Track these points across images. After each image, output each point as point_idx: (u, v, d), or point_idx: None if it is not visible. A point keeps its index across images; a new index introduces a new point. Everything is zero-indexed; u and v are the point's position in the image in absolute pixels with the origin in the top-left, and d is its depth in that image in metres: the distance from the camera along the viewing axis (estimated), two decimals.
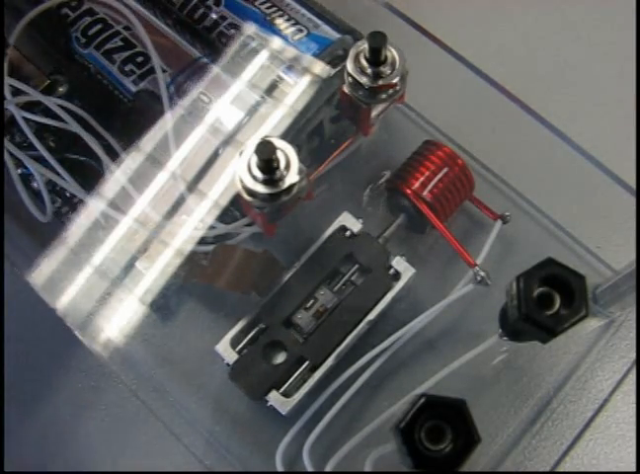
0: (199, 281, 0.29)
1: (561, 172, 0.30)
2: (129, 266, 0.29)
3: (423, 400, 0.24)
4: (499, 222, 0.30)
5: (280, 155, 0.26)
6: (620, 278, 0.29)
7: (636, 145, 0.34)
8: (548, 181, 0.31)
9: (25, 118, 0.30)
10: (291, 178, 0.26)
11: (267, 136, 0.26)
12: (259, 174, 0.26)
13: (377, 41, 0.27)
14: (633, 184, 0.29)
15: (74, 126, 0.29)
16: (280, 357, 0.29)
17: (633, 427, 0.30)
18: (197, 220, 0.29)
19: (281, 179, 0.26)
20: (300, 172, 0.27)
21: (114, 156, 0.30)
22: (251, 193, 0.26)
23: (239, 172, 0.26)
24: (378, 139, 0.32)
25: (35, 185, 0.30)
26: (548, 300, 0.25)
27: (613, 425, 0.31)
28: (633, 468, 0.30)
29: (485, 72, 0.30)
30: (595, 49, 0.37)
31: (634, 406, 0.31)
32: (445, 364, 0.29)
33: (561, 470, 0.30)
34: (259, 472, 0.29)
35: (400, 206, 0.31)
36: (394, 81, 0.28)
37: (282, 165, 0.26)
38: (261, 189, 0.26)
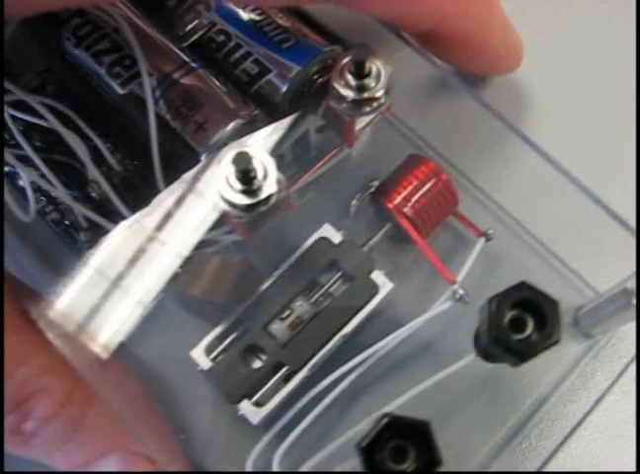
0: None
1: (548, 192, 0.30)
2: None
3: (386, 420, 0.24)
4: (482, 240, 0.30)
5: (257, 165, 0.26)
6: (603, 301, 0.29)
7: (636, 172, 0.33)
8: (535, 200, 0.31)
9: (13, 117, 0.30)
10: (269, 188, 0.26)
11: (245, 146, 0.26)
12: (236, 184, 0.26)
13: (361, 54, 0.26)
14: (619, 208, 0.28)
15: (55, 124, 0.29)
16: (259, 362, 0.29)
17: (633, 427, 0.30)
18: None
19: (259, 189, 0.26)
20: (279, 182, 0.27)
21: (100, 158, 0.31)
22: (229, 203, 0.26)
23: (217, 182, 0.26)
24: (367, 151, 0.32)
25: (20, 183, 0.30)
26: (521, 324, 0.25)
27: (613, 425, 0.30)
28: (633, 468, 0.30)
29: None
30: (593, 57, 0.36)
31: (634, 406, 0.30)
32: (422, 381, 0.29)
33: (561, 470, 0.30)
34: (259, 472, 0.29)
35: (387, 216, 0.31)
36: (378, 94, 0.27)
37: (260, 175, 0.26)
38: (238, 199, 0.26)
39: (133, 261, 0.29)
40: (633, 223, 0.28)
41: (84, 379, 0.26)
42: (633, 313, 0.27)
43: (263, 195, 0.26)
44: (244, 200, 0.26)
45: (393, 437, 0.24)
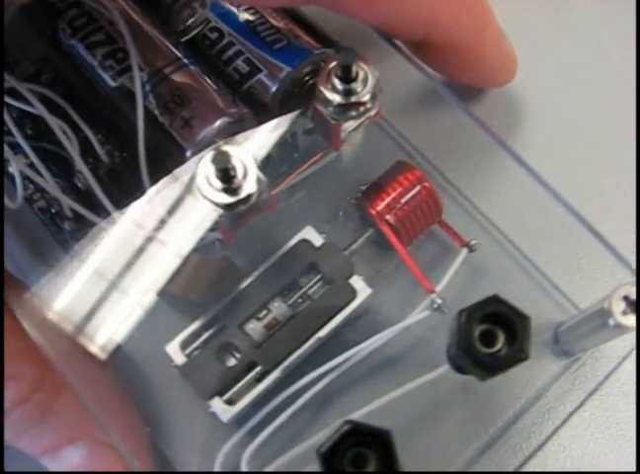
0: None
1: (534, 207, 0.29)
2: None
3: (347, 427, 0.24)
4: (464, 250, 0.30)
5: (237, 165, 0.26)
6: (581, 319, 0.29)
7: (636, 196, 0.33)
8: (521, 214, 0.31)
9: (7, 104, 0.31)
10: (249, 188, 0.26)
11: (231, 145, 0.26)
12: (216, 182, 0.26)
13: (348, 59, 0.26)
14: (603, 229, 0.28)
15: (42, 111, 0.29)
16: (233, 361, 0.29)
17: (633, 427, 0.30)
18: None
19: (239, 188, 0.26)
20: (259, 182, 0.27)
21: (90, 149, 0.31)
22: (209, 201, 0.26)
23: (197, 180, 0.26)
24: (356, 155, 0.32)
25: (10, 170, 0.31)
26: (491, 338, 0.25)
27: (613, 425, 0.30)
28: (633, 468, 0.29)
29: None
30: (592, 72, 0.36)
31: (634, 406, 0.30)
32: (396, 388, 0.29)
33: (561, 470, 0.30)
34: (257, 472, 0.29)
35: (370, 222, 0.30)
36: (364, 99, 0.27)
37: (240, 175, 0.26)
38: (218, 197, 0.26)
39: (131, 261, 0.29)
40: (615, 243, 0.27)
41: (55, 367, 0.26)
42: (610, 333, 0.27)
43: (242, 194, 0.26)
44: (223, 199, 0.26)
45: (354, 445, 0.24)
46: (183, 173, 0.28)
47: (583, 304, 0.30)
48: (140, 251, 0.29)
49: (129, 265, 0.29)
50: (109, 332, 0.29)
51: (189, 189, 0.28)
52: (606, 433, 0.30)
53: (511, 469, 0.29)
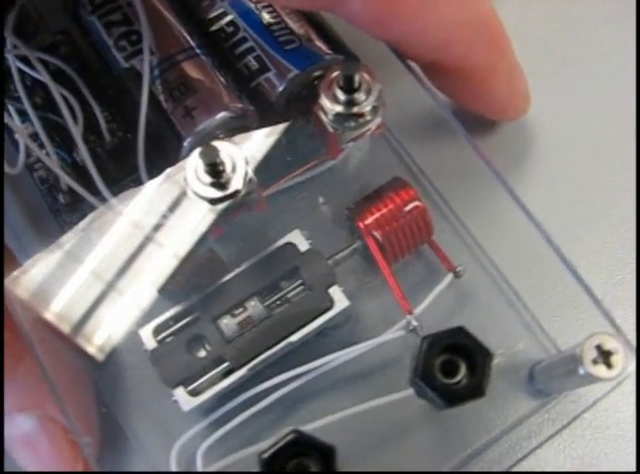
0: None
1: (527, 246, 0.29)
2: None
3: (292, 436, 0.24)
4: (450, 275, 0.30)
5: (226, 160, 0.26)
6: (557, 361, 0.28)
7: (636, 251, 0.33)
8: (514, 250, 0.31)
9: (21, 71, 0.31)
10: (236, 184, 0.26)
11: (215, 139, 0.26)
12: (204, 177, 0.26)
13: (350, 69, 0.26)
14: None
15: (48, 81, 0.30)
16: (203, 353, 0.29)
17: (633, 427, 0.30)
18: None
19: (226, 184, 0.26)
20: (248, 180, 0.27)
21: (95, 125, 0.31)
22: (196, 194, 0.27)
23: (186, 173, 0.26)
24: (357, 166, 0.32)
25: (16, 136, 0.31)
26: (453, 368, 0.25)
27: (613, 425, 0.30)
28: (633, 468, 0.29)
29: None
30: (608, 114, 0.35)
31: (634, 406, 0.30)
32: (361, 403, 0.29)
33: (561, 470, 0.29)
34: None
35: (359, 234, 0.30)
36: (364, 110, 0.27)
37: (228, 170, 0.26)
38: (204, 191, 0.26)
39: (129, 262, 0.29)
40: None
41: (22, 335, 0.26)
42: (580, 381, 0.26)
43: (229, 189, 0.26)
44: (210, 193, 0.26)
45: (297, 455, 0.24)
46: (178, 171, 0.28)
47: (563, 346, 0.30)
48: (138, 251, 0.29)
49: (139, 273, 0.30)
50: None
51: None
52: (606, 433, 0.30)
53: None
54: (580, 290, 0.27)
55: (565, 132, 0.35)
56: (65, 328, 0.29)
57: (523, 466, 0.29)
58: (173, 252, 0.30)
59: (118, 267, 0.30)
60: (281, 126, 0.30)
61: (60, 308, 0.29)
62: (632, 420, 0.30)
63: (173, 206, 0.29)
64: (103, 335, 0.30)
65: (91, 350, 0.30)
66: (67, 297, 0.30)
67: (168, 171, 0.28)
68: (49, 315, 0.28)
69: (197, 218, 0.29)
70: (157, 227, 0.29)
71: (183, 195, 0.28)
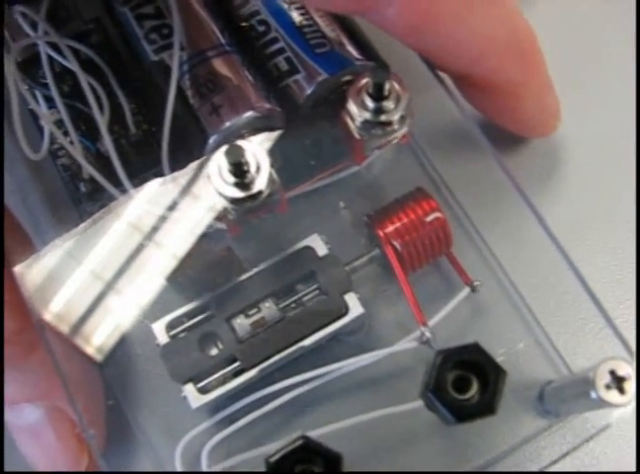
0: None
1: (547, 266, 0.29)
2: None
3: (300, 441, 0.24)
4: (466, 289, 0.30)
5: (251, 161, 0.26)
6: (568, 383, 0.28)
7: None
8: (533, 269, 0.31)
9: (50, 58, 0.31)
10: (259, 185, 0.26)
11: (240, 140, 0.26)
12: (227, 176, 0.26)
13: (379, 77, 0.26)
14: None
15: (75, 68, 0.30)
16: (214, 351, 0.29)
17: (633, 427, 0.29)
18: None
19: (249, 184, 0.26)
20: (272, 182, 0.27)
21: (122, 116, 0.31)
22: (218, 193, 0.26)
23: (210, 171, 0.26)
24: (381, 173, 0.32)
25: (41, 122, 0.31)
26: (465, 384, 0.25)
27: (613, 425, 0.29)
28: (633, 468, 0.29)
29: None
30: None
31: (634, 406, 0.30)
32: (370, 411, 0.28)
33: (561, 470, 0.29)
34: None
35: (378, 242, 0.30)
36: (391, 119, 0.27)
37: (252, 171, 0.26)
38: (227, 191, 0.26)
39: (128, 262, 0.29)
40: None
41: (37, 324, 0.26)
42: (591, 405, 0.26)
43: (251, 190, 0.26)
44: (232, 193, 0.26)
45: (304, 461, 0.24)
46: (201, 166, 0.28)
47: (575, 367, 0.30)
48: (150, 243, 0.29)
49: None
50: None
51: (186, 189, 0.28)
52: (607, 432, 0.29)
53: None
54: (596, 313, 0.27)
55: (591, 151, 0.34)
56: (74, 319, 0.29)
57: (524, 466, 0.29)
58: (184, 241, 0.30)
59: (129, 259, 0.30)
60: (307, 129, 0.30)
61: (69, 299, 0.29)
62: (632, 420, 0.29)
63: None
64: (112, 327, 0.30)
65: (99, 343, 0.30)
66: (76, 288, 0.30)
67: (191, 165, 0.28)
68: (59, 305, 0.28)
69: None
70: (169, 220, 0.29)
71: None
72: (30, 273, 0.28)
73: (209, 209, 0.29)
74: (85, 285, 0.29)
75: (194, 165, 0.28)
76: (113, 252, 0.30)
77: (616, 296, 0.32)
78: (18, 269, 0.27)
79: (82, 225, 0.29)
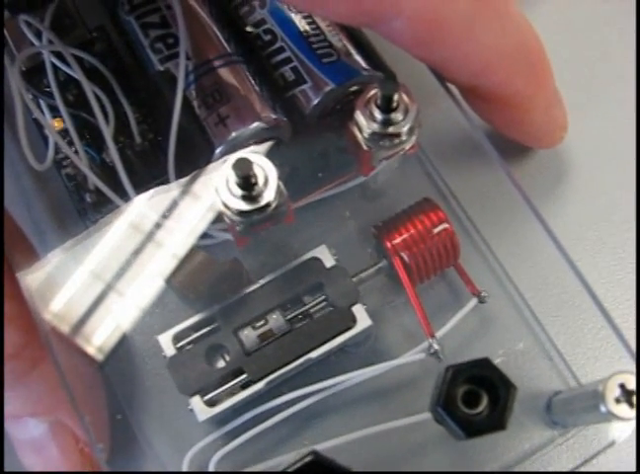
0: None
1: (555, 277, 0.29)
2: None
3: (310, 457, 0.23)
4: (474, 300, 0.29)
5: (258, 173, 0.26)
6: (575, 395, 0.28)
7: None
8: (542, 280, 0.31)
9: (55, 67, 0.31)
10: (267, 197, 0.26)
11: (248, 152, 0.26)
12: (234, 188, 0.26)
13: (388, 89, 0.26)
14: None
15: (80, 77, 0.29)
16: (222, 363, 0.29)
17: (633, 427, 0.29)
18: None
19: (257, 197, 0.26)
20: (278, 193, 0.26)
21: (126, 126, 0.31)
22: (225, 205, 0.26)
23: (217, 184, 0.26)
24: (388, 183, 0.32)
25: (46, 131, 0.31)
26: (475, 399, 0.24)
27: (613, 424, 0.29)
28: (633, 468, 0.29)
29: None
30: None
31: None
32: (377, 424, 0.28)
33: (561, 470, 0.29)
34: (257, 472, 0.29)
35: (385, 253, 0.30)
36: (399, 131, 0.27)
37: (260, 183, 0.26)
38: (234, 203, 0.26)
39: (135, 271, 0.29)
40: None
41: (42, 338, 0.26)
42: (600, 417, 0.26)
43: (259, 203, 0.26)
44: (239, 206, 0.26)
45: None
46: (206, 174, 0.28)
47: (584, 379, 0.30)
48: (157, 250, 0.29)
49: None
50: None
51: (185, 191, 0.28)
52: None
53: None
54: (605, 324, 0.27)
55: (598, 161, 0.34)
56: (80, 330, 0.29)
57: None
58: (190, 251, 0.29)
59: (136, 267, 0.30)
60: (314, 139, 0.30)
61: (76, 309, 0.29)
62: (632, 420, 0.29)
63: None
64: (118, 339, 0.30)
65: (105, 355, 0.30)
66: (82, 297, 0.29)
67: (195, 173, 0.28)
68: (64, 315, 0.28)
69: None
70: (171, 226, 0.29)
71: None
72: (34, 283, 0.28)
73: (216, 220, 0.29)
74: (91, 295, 0.29)
75: (199, 173, 0.28)
76: (118, 260, 0.30)
77: (616, 296, 0.32)
78: (22, 279, 0.27)
79: (85, 232, 0.29)
